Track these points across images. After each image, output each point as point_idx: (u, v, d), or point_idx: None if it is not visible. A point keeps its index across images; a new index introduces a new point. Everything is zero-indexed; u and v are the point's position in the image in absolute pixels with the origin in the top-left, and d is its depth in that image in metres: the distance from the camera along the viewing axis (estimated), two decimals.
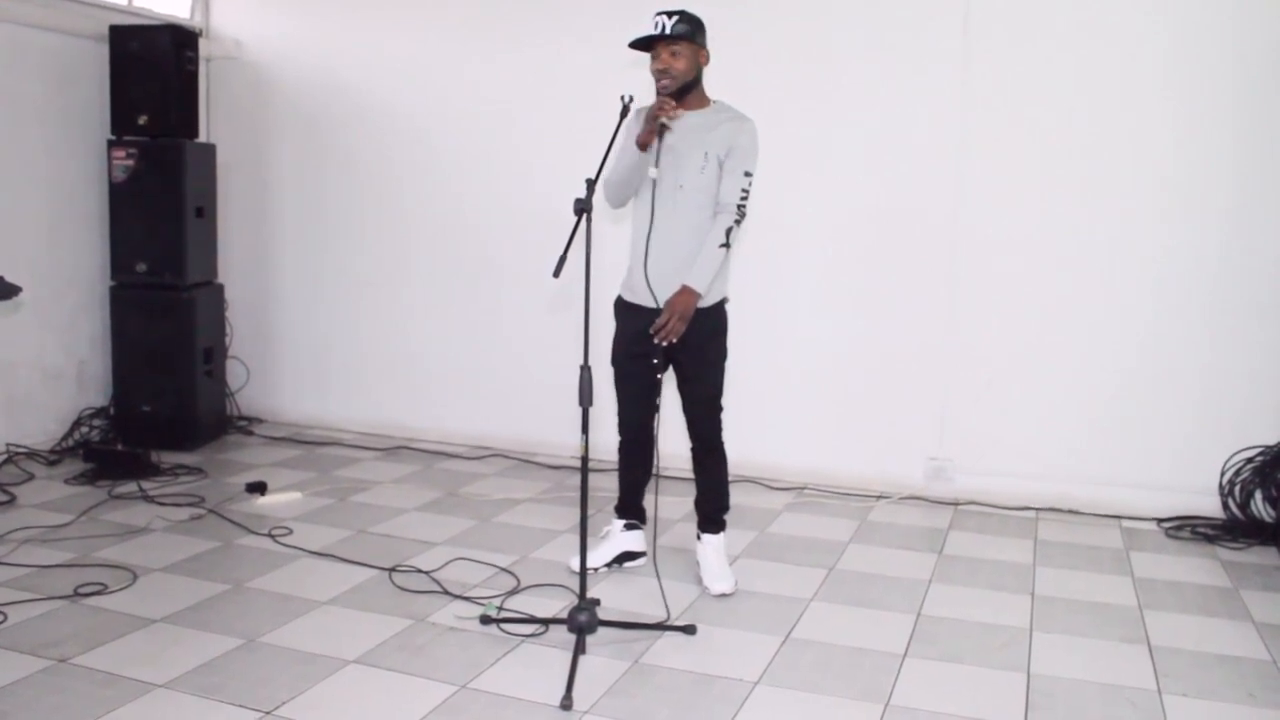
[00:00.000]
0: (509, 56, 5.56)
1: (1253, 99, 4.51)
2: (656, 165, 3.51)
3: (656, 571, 3.66)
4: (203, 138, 5.95)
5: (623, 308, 3.78)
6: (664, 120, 3.46)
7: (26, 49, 5.22)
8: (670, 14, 3.51)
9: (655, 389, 3.74)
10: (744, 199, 3.59)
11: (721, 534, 3.89)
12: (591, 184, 3.23)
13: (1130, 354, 4.73)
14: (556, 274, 3.14)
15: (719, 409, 3.82)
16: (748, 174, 3.59)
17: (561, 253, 3.15)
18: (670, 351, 3.65)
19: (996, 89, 4.79)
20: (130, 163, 5.44)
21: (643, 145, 3.52)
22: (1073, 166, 4.73)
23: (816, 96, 5.03)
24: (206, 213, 5.69)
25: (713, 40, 3.63)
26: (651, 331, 3.54)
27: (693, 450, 3.86)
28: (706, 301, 3.64)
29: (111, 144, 5.47)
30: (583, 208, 3.18)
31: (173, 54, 5.40)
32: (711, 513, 3.88)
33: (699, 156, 3.57)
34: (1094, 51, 4.65)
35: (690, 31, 3.53)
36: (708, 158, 3.57)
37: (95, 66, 5.53)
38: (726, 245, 3.57)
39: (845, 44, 4.98)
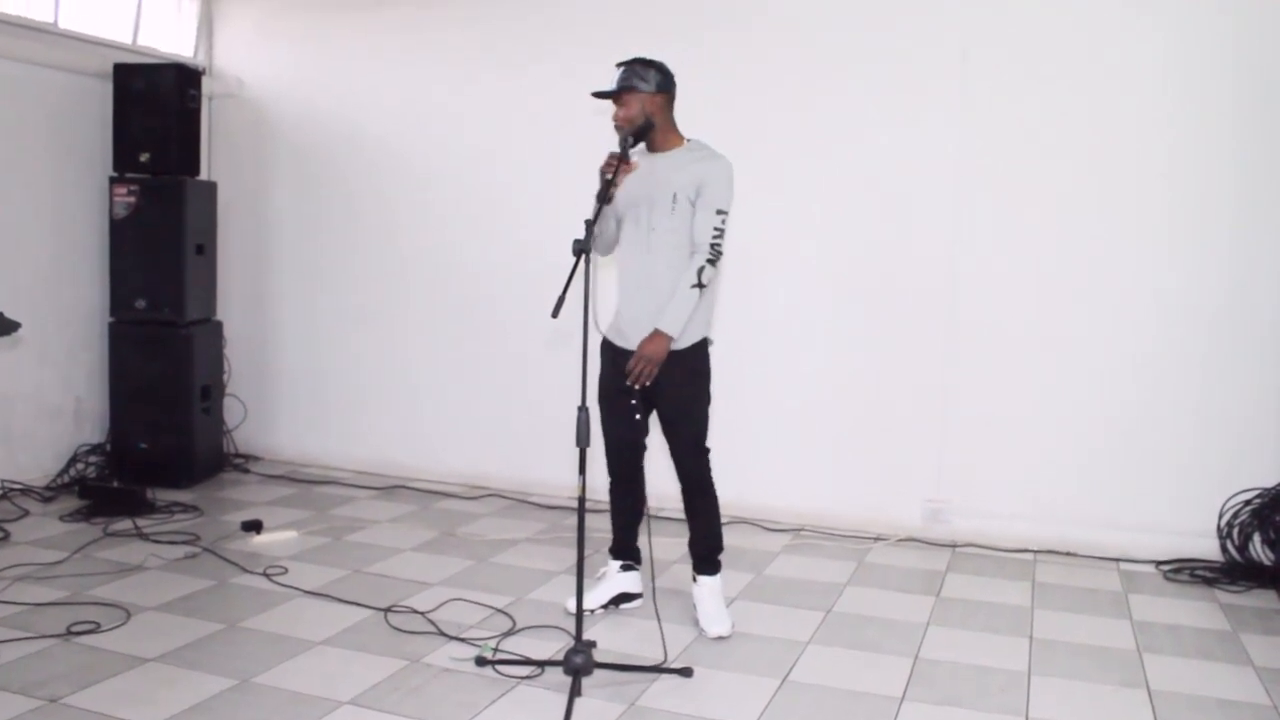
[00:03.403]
0: (506, 96, 5.60)
1: (1255, 137, 4.54)
2: (611, 205, 3.56)
3: (657, 613, 3.64)
4: (204, 175, 5.98)
5: (605, 348, 3.79)
6: (608, 176, 3.45)
7: (31, 86, 5.27)
8: (619, 65, 3.66)
9: (641, 429, 3.75)
10: (717, 238, 3.59)
11: (717, 575, 3.86)
12: (590, 225, 3.26)
13: (1128, 396, 4.73)
14: (555, 314, 3.17)
15: (704, 451, 3.80)
16: (720, 212, 3.61)
17: (560, 293, 3.17)
18: (650, 393, 3.67)
19: (996, 122, 4.83)
20: (131, 199, 5.47)
21: (606, 199, 3.50)
22: (1072, 206, 4.75)
23: (813, 131, 5.07)
24: (206, 250, 5.72)
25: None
26: (626, 372, 3.56)
27: (682, 492, 3.85)
28: (684, 342, 3.64)
29: (113, 181, 5.50)
30: (581, 249, 3.21)
31: (176, 92, 5.45)
32: (705, 554, 3.86)
33: (668, 198, 3.60)
34: (1096, 88, 4.69)
35: (632, 82, 3.62)
36: (676, 199, 3.60)
37: (98, 104, 5.57)
38: (699, 285, 3.57)
39: (843, 77, 5.03)
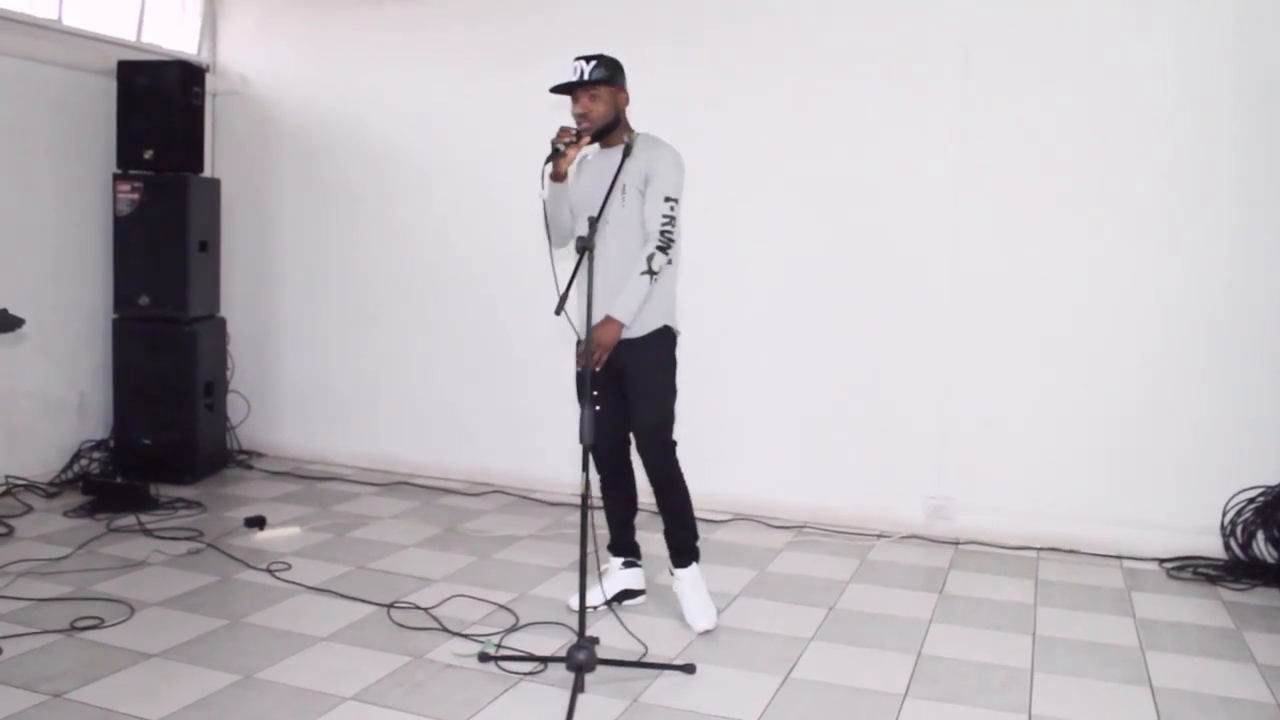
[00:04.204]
0: (507, 96, 5.60)
1: (1255, 138, 4.53)
2: (565, 189, 3.59)
3: (616, 612, 3.64)
4: (208, 172, 5.99)
5: (577, 345, 3.80)
6: (558, 146, 3.53)
7: (35, 83, 5.28)
8: (588, 59, 3.65)
9: (621, 422, 3.75)
10: (667, 225, 3.61)
11: (693, 566, 3.84)
12: (594, 222, 3.28)
13: (1131, 392, 4.73)
14: (558, 311, 3.18)
15: (667, 443, 3.77)
16: (668, 199, 3.63)
17: (563, 290, 3.18)
18: (617, 383, 3.69)
19: (996, 122, 4.82)
20: (135, 196, 5.48)
21: (556, 176, 3.61)
22: (1074, 203, 4.75)
23: (813, 130, 5.07)
24: (210, 247, 5.72)
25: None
26: (578, 357, 3.57)
27: (651, 486, 3.83)
28: (641, 329, 3.67)
29: (117, 178, 5.51)
30: (585, 245, 3.21)
31: (179, 89, 5.46)
32: (679, 545, 3.84)
33: (618, 190, 3.62)
34: (1096, 88, 4.68)
35: (609, 76, 3.65)
36: (626, 190, 3.63)
37: (103, 101, 5.58)
38: (650, 273, 3.58)
39: (843, 77, 5.02)
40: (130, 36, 5.86)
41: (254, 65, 6.23)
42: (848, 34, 5.01)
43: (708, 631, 3.70)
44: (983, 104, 4.83)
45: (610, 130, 3.68)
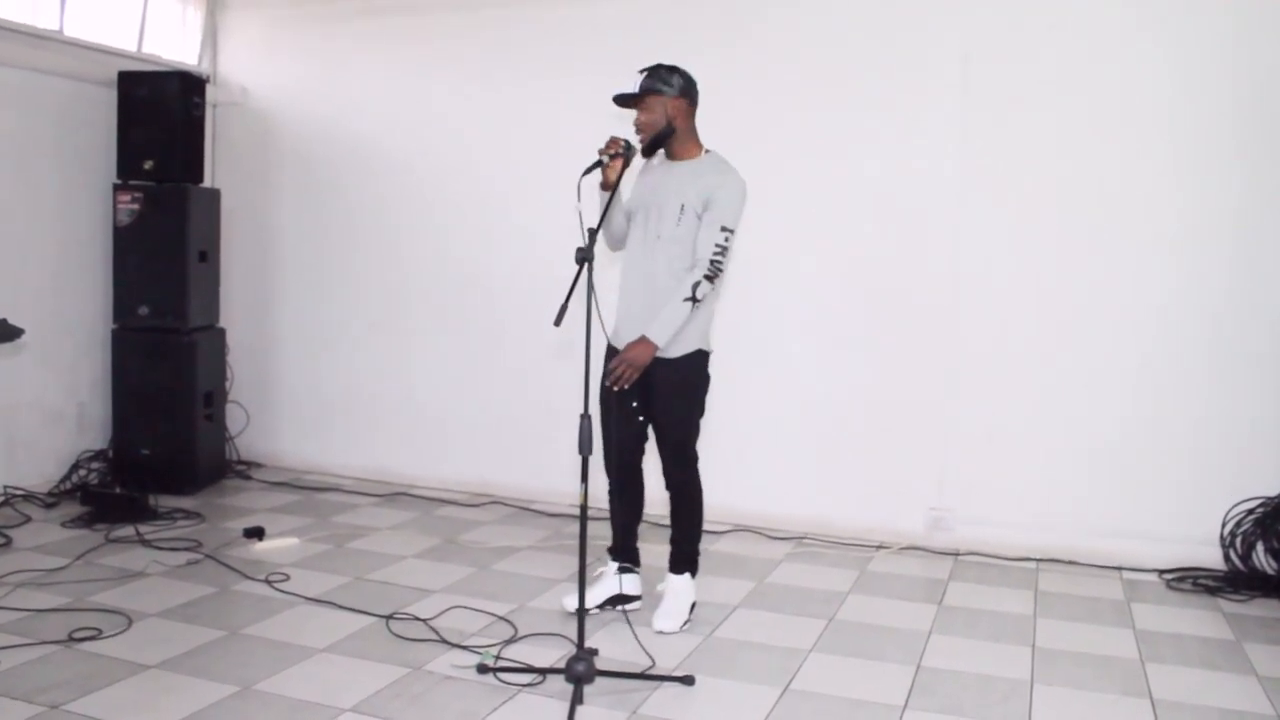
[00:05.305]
0: (507, 106, 5.62)
1: (1255, 140, 4.53)
2: (618, 195, 3.55)
3: (629, 620, 3.64)
4: (208, 183, 6.00)
5: (607, 350, 3.81)
6: (602, 159, 3.52)
7: (35, 93, 5.28)
8: (643, 70, 3.67)
9: (636, 432, 3.75)
10: (718, 255, 3.59)
11: (688, 575, 3.88)
12: (593, 233, 3.28)
13: (1131, 404, 4.73)
14: (558, 323, 3.17)
15: (689, 459, 3.81)
16: (725, 229, 3.59)
17: (563, 301, 3.18)
18: (644, 397, 3.69)
19: (997, 128, 4.83)
20: (135, 207, 5.48)
21: (605, 185, 3.60)
22: (1073, 212, 4.75)
23: (817, 141, 5.08)
24: (210, 257, 5.73)
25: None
26: (607, 372, 3.56)
27: (669, 496, 3.87)
28: (676, 352, 3.66)
29: (117, 188, 5.52)
30: (584, 257, 3.21)
31: (180, 100, 5.47)
32: (680, 554, 3.89)
33: (676, 207, 3.62)
34: (1097, 98, 4.69)
35: (655, 85, 3.64)
36: (684, 209, 3.61)
37: (103, 111, 5.59)
38: (693, 300, 3.57)
39: (844, 85, 5.03)
40: (131, 47, 5.87)
41: (254, 76, 6.24)
42: (849, 41, 5.02)
43: (662, 632, 3.73)
44: (982, 109, 4.83)
45: (665, 140, 3.68)
